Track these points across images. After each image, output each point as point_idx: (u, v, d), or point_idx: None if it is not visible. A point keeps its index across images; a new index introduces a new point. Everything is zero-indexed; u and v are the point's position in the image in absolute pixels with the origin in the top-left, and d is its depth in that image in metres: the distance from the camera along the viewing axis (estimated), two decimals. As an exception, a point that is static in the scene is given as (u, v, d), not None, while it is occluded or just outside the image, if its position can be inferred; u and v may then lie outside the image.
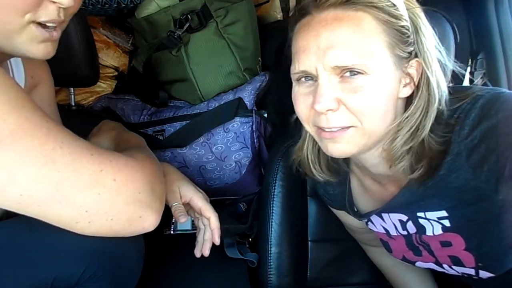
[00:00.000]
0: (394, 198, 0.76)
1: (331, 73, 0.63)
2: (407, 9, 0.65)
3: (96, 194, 0.53)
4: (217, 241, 0.79)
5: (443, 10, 0.90)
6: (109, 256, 0.62)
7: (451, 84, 0.70)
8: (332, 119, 0.65)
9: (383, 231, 0.85)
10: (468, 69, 1.17)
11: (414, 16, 0.65)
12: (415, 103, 0.65)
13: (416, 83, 0.66)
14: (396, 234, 0.83)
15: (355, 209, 0.86)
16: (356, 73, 0.62)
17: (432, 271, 0.87)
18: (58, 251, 0.59)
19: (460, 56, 0.94)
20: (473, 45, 1.16)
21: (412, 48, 0.65)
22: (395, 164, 0.68)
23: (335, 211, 0.98)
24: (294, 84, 0.70)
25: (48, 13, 0.57)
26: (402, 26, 0.63)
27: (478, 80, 1.15)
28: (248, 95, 1.14)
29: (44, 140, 0.50)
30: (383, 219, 0.83)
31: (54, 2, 0.57)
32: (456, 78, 1.10)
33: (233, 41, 1.16)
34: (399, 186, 0.74)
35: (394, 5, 0.63)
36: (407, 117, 0.65)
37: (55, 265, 0.59)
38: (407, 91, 0.67)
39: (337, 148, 0.67)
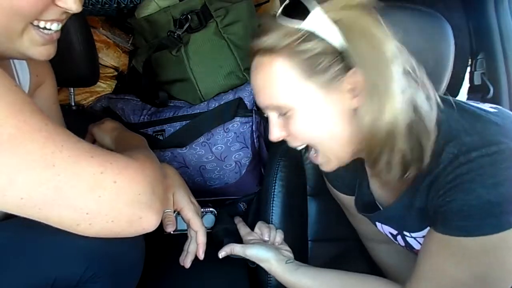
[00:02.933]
0: (386, 208, 0.78)
1: (269, 110, 0.71)
2: (337, 21, 0.62)
3: (97, 197, 0.53)
4: (201, 256, 0.81)
5: (443, 10, 0.90)
6: (109, 256, 0.62)
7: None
8: (290, 143, 0.73)
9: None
10: (468, 69, 1.17)
11: (347, 27, 0.62)
12: (363, 111, 0.63)
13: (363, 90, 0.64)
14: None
15: (370, 192, 0.85)
16: (284, 111, 0.68)
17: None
18: (58, 251, 0.59)
19: (460, 56, 0.94)
20: (473, 45, 1.16)
21: (340, 65, 0.63)
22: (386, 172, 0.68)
23: (341, 197, 0.97)
24: None
25: (52, 14, 0.59)
26: (318, 54, 0.63)
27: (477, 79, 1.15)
28: (248, 95, 1.14)
29: (43, 144, 0.50)
30: (376, 227, 0.85)
31: (60, 7, 0.58)
32: (455, 77, 1.10)
33: (233, 41, 1.16)
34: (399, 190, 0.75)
35: (307, 37, 0.62)
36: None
37: (55, 266, 0.59)
38: (358, 100, 0.64)
39: (322, 167, 0.75)
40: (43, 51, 0.61)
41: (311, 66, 0.64)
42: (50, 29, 0.60)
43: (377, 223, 0.85)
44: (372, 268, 1.07)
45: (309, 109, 0.66)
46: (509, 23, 1.09)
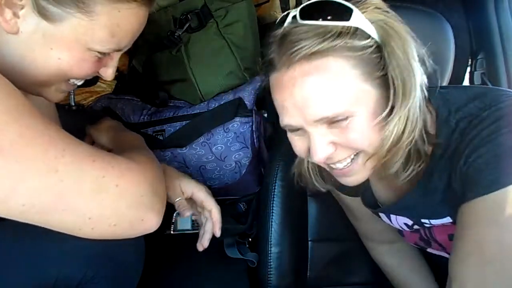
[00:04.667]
0: (400, 200, 0.76)
1: (317, 125, 0.62)
2: (373, 22, 0.62)
3: (99, 201, 0.53)
4: (218, 233, 0.81)
5: (443, 10, 0.90)
6: (110, 257, 0.62)
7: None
8: (333, 158, 0.66)
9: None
10: (468, 69, 1.17)
11: (382, 28, 0.63)
12: (396, 112, 0.62)
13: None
14: (404, 231, 0.84)
15: (372, 194, 0.85)
16: (341, 120, 0.61)
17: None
18: (59, 253, 0.59)
19: (460, 56, 0.95)
20: (473, 45, 1.16)
21: (384, 67, 0.62)
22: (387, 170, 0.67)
23: (343, 198, 0.97)
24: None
25: (90, 76, 0.64)
26: (371, 53, 0.61)
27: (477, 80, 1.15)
28: (248, 95, 1.14)
29: (45, 149, 0.50)
30: (390, 220, 0.84)
31: (99, 74, 0.65)
32: (455, 77, 1.10)
33: (233, 41, 1.16)
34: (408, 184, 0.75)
35: (355, 34, 0.60)
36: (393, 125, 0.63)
37: (56, 267, 0.59)
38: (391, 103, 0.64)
39: (351, 180, 0.69)
40: (60, 96, 0.66)
41: (368, 63, 0.61)
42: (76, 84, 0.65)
43: (391, 216, 0.84)
44: (372, 268, 1.07)
45: (370, 112, 0.62)
46: (509, 23, 1.09)
